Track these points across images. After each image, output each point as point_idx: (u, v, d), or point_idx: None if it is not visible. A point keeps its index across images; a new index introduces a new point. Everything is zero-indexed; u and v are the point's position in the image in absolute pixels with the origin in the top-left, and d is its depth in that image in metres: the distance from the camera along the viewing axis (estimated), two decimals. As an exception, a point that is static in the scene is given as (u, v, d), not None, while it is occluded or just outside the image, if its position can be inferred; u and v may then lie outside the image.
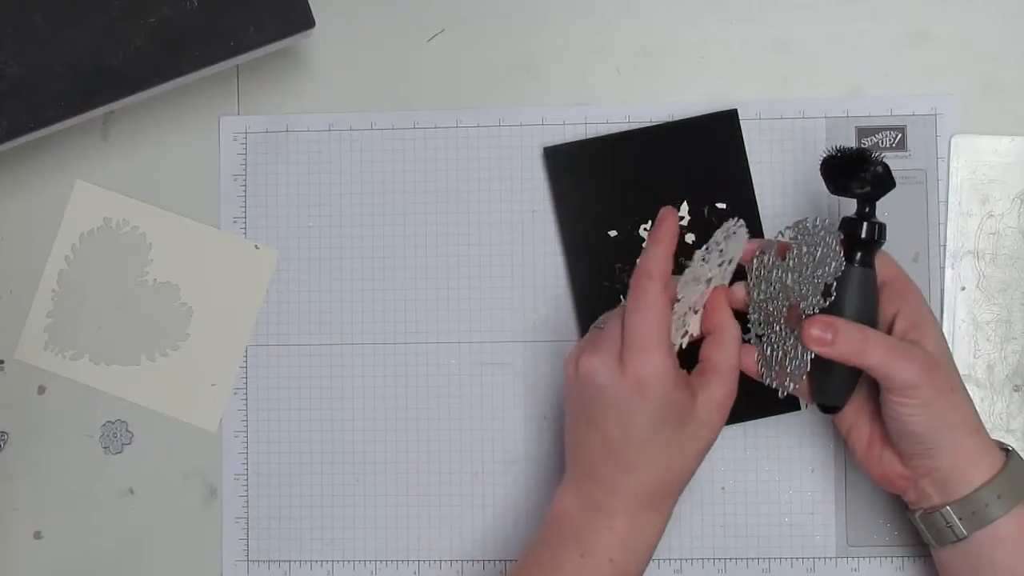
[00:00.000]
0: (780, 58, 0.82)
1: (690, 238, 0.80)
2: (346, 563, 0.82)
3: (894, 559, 0.79)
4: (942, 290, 0.79)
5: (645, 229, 0.80)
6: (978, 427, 0.70)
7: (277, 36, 0.76)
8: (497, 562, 0.81)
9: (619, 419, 0.69)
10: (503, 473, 0.81)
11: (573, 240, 0.81)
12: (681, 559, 0.80)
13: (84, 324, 0.83)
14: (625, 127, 0.81)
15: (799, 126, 0.81)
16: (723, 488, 0.80)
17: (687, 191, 0.80)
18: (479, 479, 0.81)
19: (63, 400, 0.83)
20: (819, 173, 0.71)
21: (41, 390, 0.83)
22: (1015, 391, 0.79)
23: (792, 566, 0.80)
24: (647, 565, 0.71)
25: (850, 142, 0.80)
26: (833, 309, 0.69)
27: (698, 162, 0.80)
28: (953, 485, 0.70)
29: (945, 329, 0.79)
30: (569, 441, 0.73)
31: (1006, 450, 0.71)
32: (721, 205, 0.80)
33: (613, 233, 0.80)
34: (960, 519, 0.69)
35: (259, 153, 0.83)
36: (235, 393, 0.82)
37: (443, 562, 0.81)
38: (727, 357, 0.71)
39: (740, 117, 0.81)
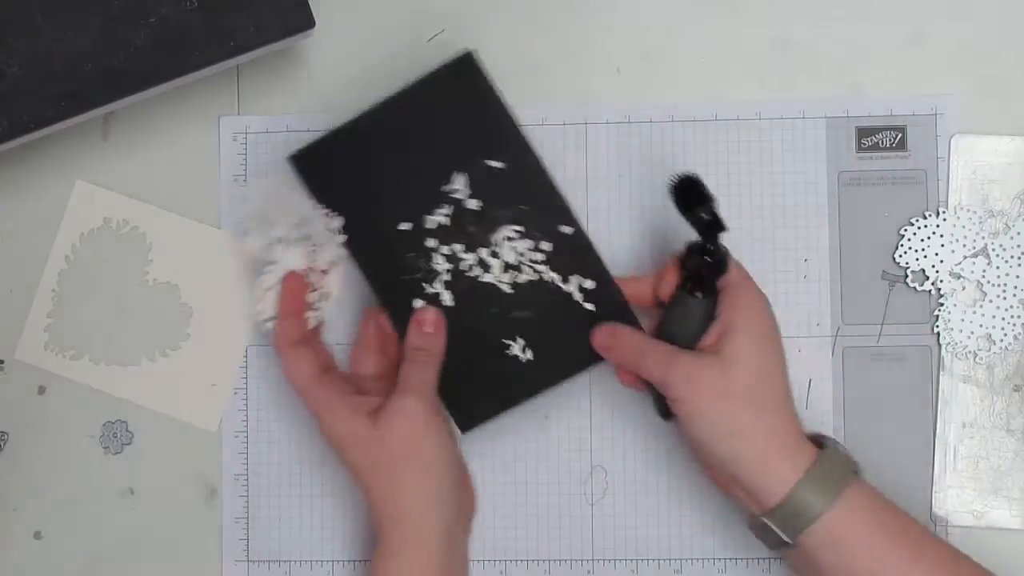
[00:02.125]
0: (780, 58, 0.82)
1: (473, 204, 0.77)
2: (346, 563, 0.82)
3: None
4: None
5: (443, 213, 0.77)
6: (776, 431, 0.69)
7: (277, 36, 0.76)
8: (497, 562, 0.81)
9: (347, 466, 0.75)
10: (503, 473, 0.81)
11: (363, 242, 0.77)
12: (681, 559, 0.80)
13: (84, 324, 0.83)
14: (615, 126, 0.81)
15: (799, 126, 0.81)
16: (723, 488, 0.80)
17: (455, 157, 0.77)
18: (479, 479, 0.81)
19: (63, 400, 0.83)
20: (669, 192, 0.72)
21: (41, 390, 0.83)
22: (1015, 391, 0.79)
23: (792, 566, 0.80)
24: None
25: (850, 142, 0.80)
26: (662, 332, 0.73)
27: (453, 123, 0.76)
28: (760, 494, 0.69)
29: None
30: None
31: (821, 444, 0.71)
32: (496, 164, 0.77)
33: (405, 226, 0.77)
34: (778, 527, 0.69)
35: (259, 153, 0.83)
36: (235, 393, 0.82)
37: (443, 562, 0.81)
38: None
39: (740, 117, 0.81)
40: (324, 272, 0.78)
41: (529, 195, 0.76)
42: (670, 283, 0.74)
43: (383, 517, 0.73)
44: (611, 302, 0.76)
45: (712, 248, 0.71)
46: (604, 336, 0.75)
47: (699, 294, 0.72)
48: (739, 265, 0.73)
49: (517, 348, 0.76)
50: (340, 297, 0.79)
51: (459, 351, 0.76)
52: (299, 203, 0.77)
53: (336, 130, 0.77)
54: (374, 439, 0.73)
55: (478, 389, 0.77)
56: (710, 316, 0.72)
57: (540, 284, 0.76)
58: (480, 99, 0.76)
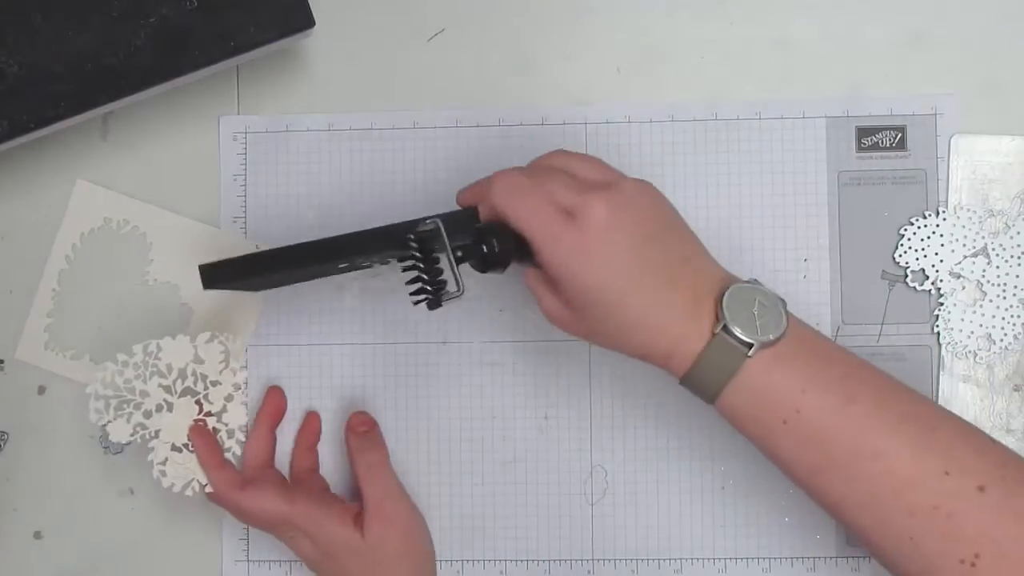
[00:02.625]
0: (780, 58, 0.82)
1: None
2: (346, 563, 0.82)
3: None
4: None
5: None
6: (659, 306, 0.65)
7: (277, 36, 0.76)
8: (497, 562, 0.81)
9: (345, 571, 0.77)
10: (503, 473, 0.81)
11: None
12: (681, 559, 0.80)
13: (84, 324, 0.83)
14: (615, 126, 0.81)
15: (799, 126, 0.81)
16: (723, 487, 0.80)
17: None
18: (479, 479, 0.81)
19: (63, 400, 0.83)
20: None
21: (41, 390, 0.83)
22: (1015, 391, 0.79)
23: (792, 566, 0.80)
24: None
25: (850, 141, 0.80)
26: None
27: None
28: (665, 366, 0.66)
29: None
30: None
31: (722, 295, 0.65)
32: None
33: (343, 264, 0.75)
34: (695, 392, 0.66)
35: (259, 153, 0.83)
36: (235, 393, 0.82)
37: (443, 562, 0.81)
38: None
39: (740, 117, 0.81)
40: (220, 410, 0.80)
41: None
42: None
43: None
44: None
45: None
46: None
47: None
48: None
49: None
50: (247, 423, 0.81)
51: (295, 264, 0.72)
52: (178, 356, 0.79)
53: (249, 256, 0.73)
54: (367, 548, 0.75)
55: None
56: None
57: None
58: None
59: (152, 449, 0.79)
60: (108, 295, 0.83)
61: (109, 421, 0.78)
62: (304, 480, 0.80)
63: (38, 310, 0.83)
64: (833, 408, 0.63)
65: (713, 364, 0.65)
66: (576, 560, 0.81)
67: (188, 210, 0.83)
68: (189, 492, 0.78)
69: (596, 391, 0.81)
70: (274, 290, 0.82)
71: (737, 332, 0.64)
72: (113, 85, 0.75)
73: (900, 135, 0.80)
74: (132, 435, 0.78)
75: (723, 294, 0.65)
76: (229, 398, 0.80)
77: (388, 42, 0.83)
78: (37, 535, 0.83)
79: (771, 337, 0.64)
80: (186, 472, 0.78)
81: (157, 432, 0.78)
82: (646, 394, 0.81)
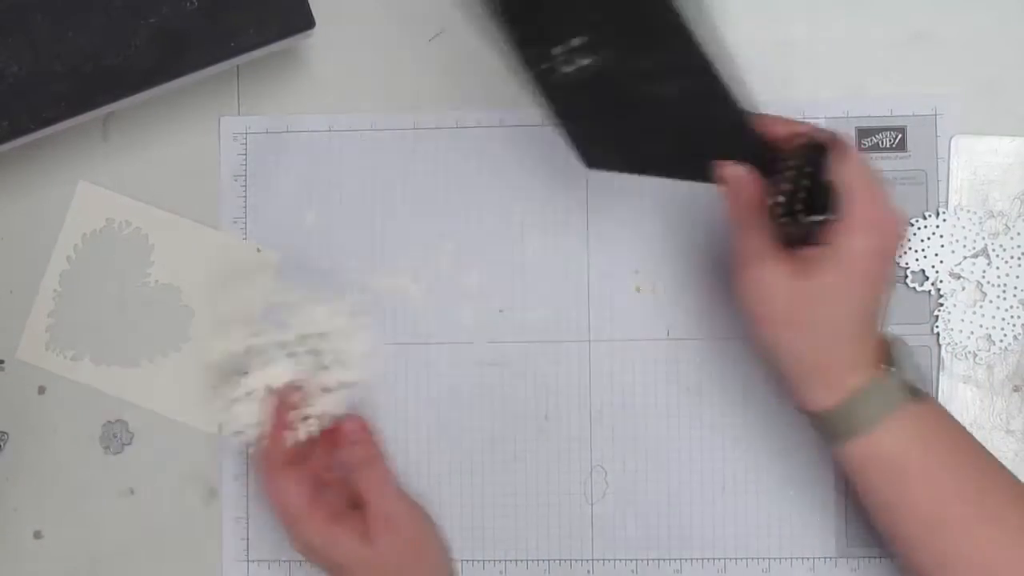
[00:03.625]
0: (780, 58, 0.81)
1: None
2: (347, 563, 0.82)
3: (894, 559, 0.79)
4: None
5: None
6: (839, 344, 0.68)
7: (277, 36, 0.76)
8: (497, 562, 0.81)
9: None
10: (503, 473, 0.81)
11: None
12: (681, 559, 0.80)
13: (85, 325, 0.83)
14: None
15: (799, 126, 0.81)
16: (723, 487, 0.80)
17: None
18: (479, 479, 0.81)
19: (63, 400, 0.83)
20: None
21: (41, 390, 0.83)
22: (1015, 391, 0.79)
23: (792, 566, 0.80)
24: None
25: (851, 142, 0.80)
26: None
27: None
28: (804, 397, 0.69)
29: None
30: None
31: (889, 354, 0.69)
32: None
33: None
34: (819, 430, 0.69)
35: (260, 153, 0.83)
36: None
37: (443, 562, 0.81)
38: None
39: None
40: (326, 391, 0.77)
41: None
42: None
43: None
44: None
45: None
46: (727, 177, 0.69)
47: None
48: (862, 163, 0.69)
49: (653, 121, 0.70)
50: (331, 419, 0.78)
51: (601, 95, 0.70)
52: (332, 314, 0.77)
53: None
54: (378, 558, 0.74)
55: (607, 140, 0.72)
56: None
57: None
58: None
59: (247, 374, 0.77)
60: (109, 296, 0.83)
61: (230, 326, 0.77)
62: (327, 484, 0.77)
63: (39, 310, 0.83)
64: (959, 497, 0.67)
65: (869, 401, 0.67)
66: (576, 560, 0.81)
67: (188, 210, 0.83)
68: (236, 437, 0.77)
69: (596, 391, 0.81)
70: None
71: (902, 376, 0.68)
72: (113, 85, 0.75)
73: (900, 136, 0.80)
74: (243, 350, 0.77)
75: (890, 342, 0.70)
76: (343, 385, 0.78)
77: (388, 42, 0.83)
78: (37, 535, 0.83)
79: (925, 391, 0.69)
80: (251, 418, 0.77)
81: (264, 362, 0.77)
82: (646, 394, 0.81)
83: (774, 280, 0.67)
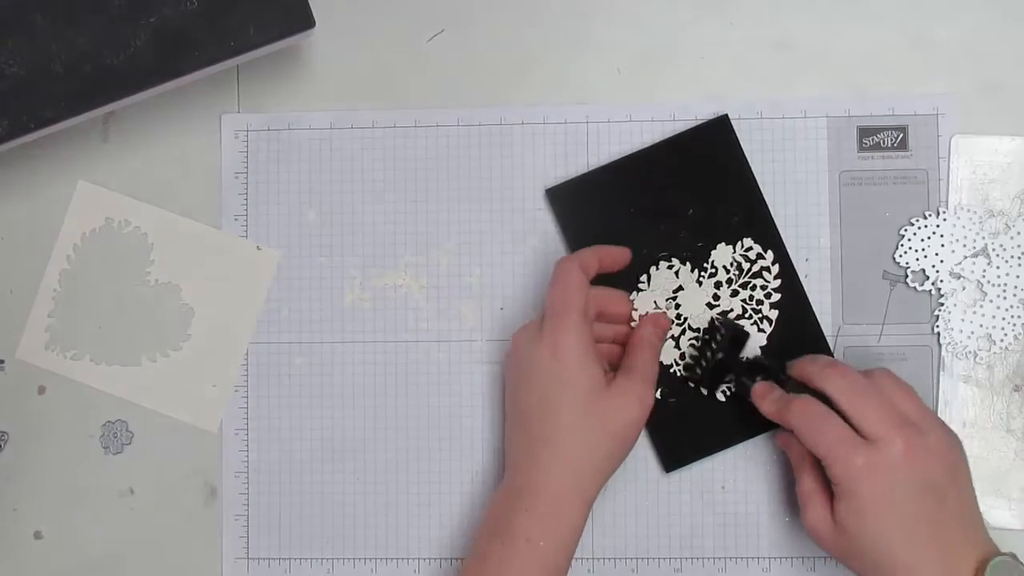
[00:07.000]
0: (781, 58, 0.81)
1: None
2: (346, 561, 0.82)
3: (894, 559, 0.79)
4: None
5: (667, 266, 0.80)
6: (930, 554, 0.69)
7: (277, 36, 0.76)
8: (497, 562, 0.81)
9: (537, 388, 0.73)
10: (503, 471, 0.81)
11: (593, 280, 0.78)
12: (681, 558, 0.80)
13: (85, 324, 0.83)
14: (619, 124, 0.81)
15: (800, 126, 0.81)
16: (723, 487, 0.80)
17: (695, 203, 0.80)
18: (479, 477, 0.81)
19: (63, 400, 0.83)
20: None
21: (41, 390, 0.83)
22: (1015, 391, 0.79)
23: (792, 566, 0.80)
24: (573, 552, 0.73)
25: (852, 141, 0.80)
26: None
27: (700, 173, 0.80)
28: None
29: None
30: (505, 444, 0.77)
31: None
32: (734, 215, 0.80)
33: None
34: None
35: (261, 151, 0.83)
36: (236, 391, 0.82)
37: (443, 560, 0.81)
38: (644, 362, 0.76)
39: (742, 117, 0.81)
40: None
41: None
42: None
43: (539, 468, 0.73)
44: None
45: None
46: (784, 445, 0.77)
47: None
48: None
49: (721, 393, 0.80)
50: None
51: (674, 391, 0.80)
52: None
53: (594, 171, 0.81)
54: (604, 404, 0.73)
55: (683, 430, 0.80)
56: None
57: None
58: (731, 155, 0.80)
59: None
60: (109, 295, 0.83)
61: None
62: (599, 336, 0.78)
63: (39, 310, 0.83)
64: None
65: None
66: (576, 559, 0.81)
67: (189, 208, 0.83)
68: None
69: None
70: (275, 289, 0.81)
71: None
72: (113, 85, 0.75)
73: (901, 135, 0.80)
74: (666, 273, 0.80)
75: (986, 563, 0.68)
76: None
77: (388, 42, 0.83)
78: (37, 535, 0.83)
79: None
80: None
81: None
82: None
83: (817, 523, 0.72)
